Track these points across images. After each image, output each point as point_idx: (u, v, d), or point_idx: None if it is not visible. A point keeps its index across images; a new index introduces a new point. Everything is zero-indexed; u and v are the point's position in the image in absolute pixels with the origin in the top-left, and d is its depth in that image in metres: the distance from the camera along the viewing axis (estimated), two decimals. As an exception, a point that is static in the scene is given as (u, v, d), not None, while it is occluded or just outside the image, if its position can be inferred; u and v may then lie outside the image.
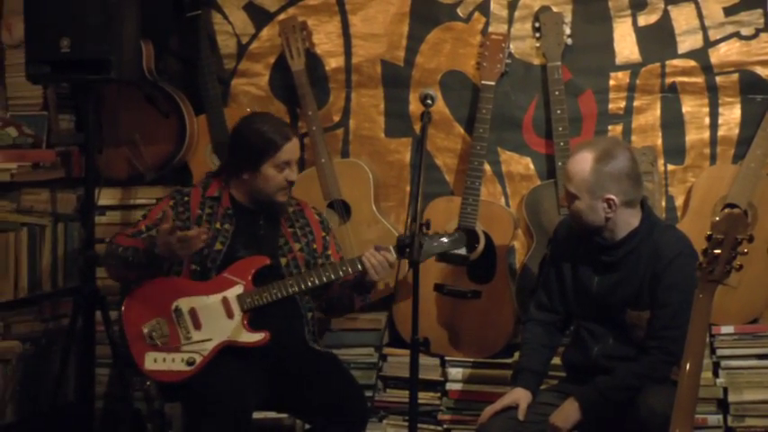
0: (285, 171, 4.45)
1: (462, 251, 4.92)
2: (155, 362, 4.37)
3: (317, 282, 4.45)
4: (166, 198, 4.63)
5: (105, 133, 5.30)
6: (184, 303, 4.42)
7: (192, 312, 4.41)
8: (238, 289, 4.42)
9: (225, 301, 4.41)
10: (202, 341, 4.37)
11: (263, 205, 4.53)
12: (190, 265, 4.47)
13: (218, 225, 4.51)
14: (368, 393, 4.73)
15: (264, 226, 4.57)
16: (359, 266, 4.43)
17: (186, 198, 4.55)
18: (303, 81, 5.19)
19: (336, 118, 5.37)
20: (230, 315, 4.41)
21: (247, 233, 4.54)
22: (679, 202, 5.14)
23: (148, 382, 4.64)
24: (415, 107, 5.24)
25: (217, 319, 4.41)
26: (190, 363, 4.35)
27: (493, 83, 5.03)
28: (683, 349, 3.40)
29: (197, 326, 4.40)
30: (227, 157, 4.63)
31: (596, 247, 4.22)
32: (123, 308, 4.44)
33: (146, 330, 4.38)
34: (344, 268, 4.45)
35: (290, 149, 4.47)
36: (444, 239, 4.48)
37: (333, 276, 4.46)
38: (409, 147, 5.32)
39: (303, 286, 4.44)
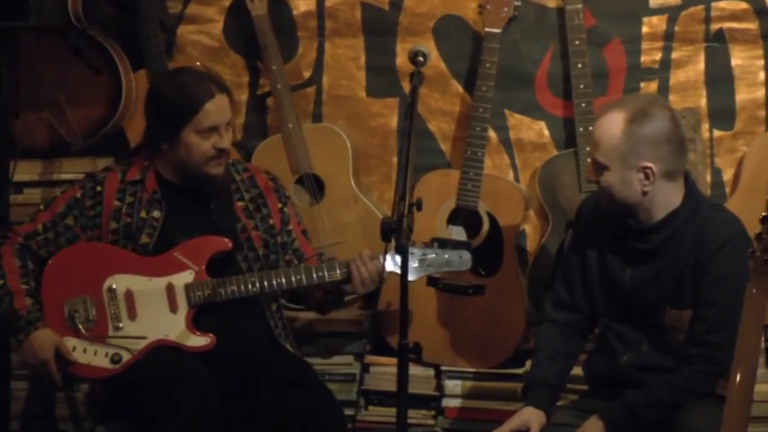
0: (212, 137, 4.30)
1: (462, 237, 4.93)
2: (73, 350, 4.24)
3: (284, 284, 4.35)
4: (76, 186, 4.49)
5: (22, 93, 5.25)
6: (121, 282, 4.29)
7: (129, 296, 4.29)
8: (188, 276, 4.30)
9: (170, 290, 4.29)
10: (134, 337, 4.26)
11: (197, 181, 4.39)
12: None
13: (143, 214, 4.38)
14: (347, 412, 4.66)
15: (216, 208, 4.44)
16: (340, 274, 4.36)
17: (99, 188, 4.43)
18: (265, 28, 5.10)
19: (306, 74, 5.33)
20: (174, 308, 4.29)
21: (187, 218, 4.42)
22: (727, 175, 5.09)
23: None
24: (402, 60, 5.16)
25: (156, 310, 4.30)
26: (115, 360, 4.23)
27: (499, 30, 4.95)
28: (731, 357, 3.21)
29: (131, 315, 4.29)
30: (145, 125, 4.49)
31: (629, 231, 4.11)
32: (44, 275, 4.32)
33: (67, 310, 4.27)
34: (321, 273, 4.36)
35: (215, 109, 4.30)
36: (446, 256, 4.39)
37: (305, 281, 4.36)
38: (396, 109, 5.26)
39: (266, 287, 4.34)
